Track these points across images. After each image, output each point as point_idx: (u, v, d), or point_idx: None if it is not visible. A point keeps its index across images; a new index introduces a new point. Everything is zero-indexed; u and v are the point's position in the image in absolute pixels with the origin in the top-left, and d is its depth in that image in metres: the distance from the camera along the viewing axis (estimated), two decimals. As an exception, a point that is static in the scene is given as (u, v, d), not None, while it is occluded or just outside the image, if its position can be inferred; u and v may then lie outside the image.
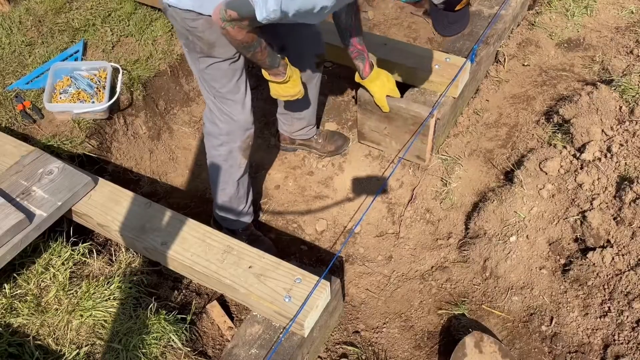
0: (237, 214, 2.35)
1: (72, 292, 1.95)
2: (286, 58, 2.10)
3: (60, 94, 2.64)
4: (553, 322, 1.97)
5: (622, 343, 1.84)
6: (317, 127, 2.79)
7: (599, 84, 2.74)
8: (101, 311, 1.90)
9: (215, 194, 2.33)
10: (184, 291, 2.17)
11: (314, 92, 2.55)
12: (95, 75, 2.72)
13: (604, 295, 1.96)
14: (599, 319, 1.92)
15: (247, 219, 2.41)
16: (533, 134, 2.67)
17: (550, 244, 2.17)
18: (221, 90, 2.01)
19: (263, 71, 2.07)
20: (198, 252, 1.94)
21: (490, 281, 2.14)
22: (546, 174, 2.36)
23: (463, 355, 1.82)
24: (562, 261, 2.12)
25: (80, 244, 2.11)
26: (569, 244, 2.15)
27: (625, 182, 2.18)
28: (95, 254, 2.10)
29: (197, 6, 1.77)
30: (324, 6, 1.56)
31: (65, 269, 2.01)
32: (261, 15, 1.57)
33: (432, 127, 2.51)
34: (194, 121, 3.01)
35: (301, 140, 2.77)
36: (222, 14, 1.69)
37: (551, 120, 2.68)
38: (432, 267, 2.28)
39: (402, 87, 2.73)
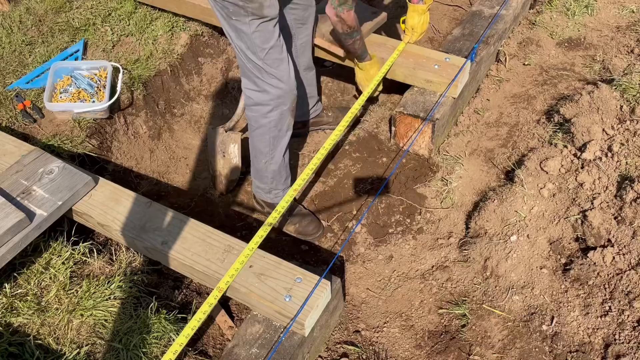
0: (283, 183, 2.43)
1: (72, 291, 1.95)
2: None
3: (61, 93, 2.64)
4: (554, 322, 1.97)
5: (623, 342, 1.84)
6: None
7: (599, 83, 2.74)
8: (102, 311, 1.90)
9: (260, 170, 2.39)
10: (184, 291, 2.17)
11: (314, 69, 2.69)
12: (95, 74, 2.72)
13: (605, 295, 1.96)
14: (599, 319, 1.92)
15: (289, 182, 2.48)
16: (534, 133, 2.67)
17: (551, 244, 2.17)
18: (271, 50, 2.08)
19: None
20: (198, 251, 1.94)
21: (491, 280, 2.14)
22: (547, 173, 2.36)
23: None
24: (563, 260, 2.12)
25: (80, 244, 2.10)
26: (569, 243, 2.15)
27: (626, 182, 2.17)
28: (95, 253, 2.10)
29: None
30: None
31: (66, 269, 2.01)
32: None
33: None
34: (194, 120, 3.01)
35: (313, 120, 2.85)
36: (334, 3, 2.09)
37: (552, 119, 2.68)
38: (432, 267, 2.28)
39: (402, 87, 2.73)
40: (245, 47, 2.06)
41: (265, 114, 2.22)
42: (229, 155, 2.63)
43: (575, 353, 1.88)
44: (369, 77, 2.59)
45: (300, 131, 2.87)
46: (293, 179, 2.49)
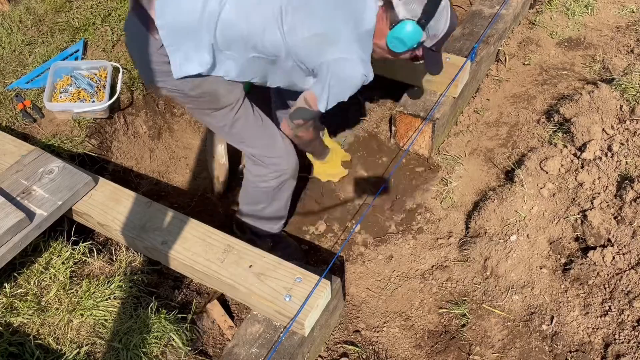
0: (276, 221, 2.32)
1: (72, 291, 1.95)
2: (333, 144, 2.44)
3: (61, 93, 2.63)
4: (554, 321, 1.97)
5: (622, 342, 1.84)
6: None
7: (599, 83, 2.74)
8: (102, 310, 1.90)
9: (252, 210, 2.26)
10: (184, 290, 2.17)
11: None
12: (95, 74, 2.72)
13: (605, 295, 1.96)
14: (599, 318, 1.92)
15: (282, 224, 2.37)
16: (534, 133, 2.67)
17: (550, 243, 2.17)
18: (252, 133, 2.02)
19: (308, 154, 2.33)
20: (198, 251, 1.94)
21: (491, 280, 2.14)
22: (547, 173, 2.36)
23: None
24: (563, 260, 2.12)
25: (80, 243, 2.11)
26: (569, 243, 2.14)
27: (626, 181, 2.17)
28: (95, 253, 2.10)
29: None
30: (364, 80, 1.80)
31: (66, 268, 2.01)
32: (324, 108, 1.83)
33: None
34: (194, 120, 3.01)
35: None
36: (291, 125, 1.95)
37: (552, 119, 2.68)
38: (432, 267, 2.28)
39: (403, 87, 2.73)
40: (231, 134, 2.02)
41: (264, 180, 2.14)
42: (217, 156, 2.60)
43: (575, 353, 1.88)
44: (333, 167, 2.40)
45: None
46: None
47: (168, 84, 1.82)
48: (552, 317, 1.98)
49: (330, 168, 2.40)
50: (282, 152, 2.07)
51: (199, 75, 1.76)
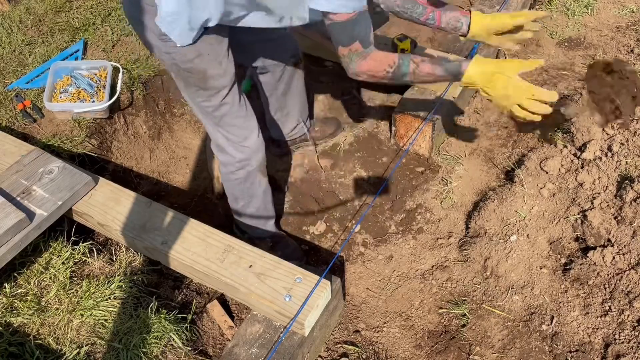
0: (265, 220, 2.32)
1: (72, 291, 1.96)
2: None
3: (61, 93, 2.64)
4: (554, 322, 1.97)
5: (622, 342, 1.84)
6: (311, 119, 2.81)
7: (599, 83, 2.74)
8: (102, 310, 1.90)
9: (238, 208, 2.27)
10: (184, 290, 2.17)
11: (298, 91, 2.56)
12: (95, 74, 2.72)
13: (605, 295, 1.96)
14: (599, 318, 1.92)
15: (273, 223, 2.36)
16: (533, 133, 2.67)
17: (550, 243, 2.17)
18: (232, 121, 1.98)
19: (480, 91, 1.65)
20: (198, 251, 1.94)
21: (491, 280, 2.14)
22: (547, 173, 2.36)
23: None
24: (563, 260, 2.12)
25: (80, 244, 2.11)
26: (569, 243, 2.14)
27: (626, 181, 2.17)
28: (95, 253, 2.10)
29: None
30: None
31: (66, 269, 2.01)
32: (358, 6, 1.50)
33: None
34: (194, 120, 3.01)
35: (299, 138, 2.78)
36: (348, 55, 1.62)
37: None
38: (432, 267, 2.28)
39: (402, 87, 2.73)
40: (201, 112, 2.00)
41: (232, 172, 2.13)
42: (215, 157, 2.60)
43: (575, 353, 1.88)
44: (502, 95, 1.69)
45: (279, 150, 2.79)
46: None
47: (162, 48, 1.76)
48: (552, 317, 1.98)
49: (503, 97, 1.65)
50: (253, 143, 2.06)
51: (194, 42, 1.71)
